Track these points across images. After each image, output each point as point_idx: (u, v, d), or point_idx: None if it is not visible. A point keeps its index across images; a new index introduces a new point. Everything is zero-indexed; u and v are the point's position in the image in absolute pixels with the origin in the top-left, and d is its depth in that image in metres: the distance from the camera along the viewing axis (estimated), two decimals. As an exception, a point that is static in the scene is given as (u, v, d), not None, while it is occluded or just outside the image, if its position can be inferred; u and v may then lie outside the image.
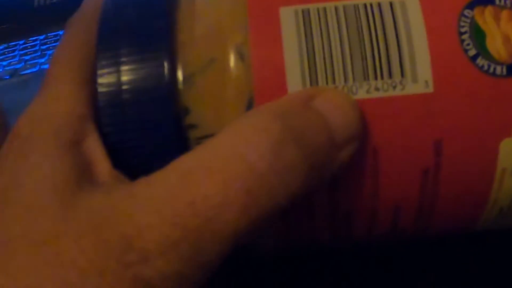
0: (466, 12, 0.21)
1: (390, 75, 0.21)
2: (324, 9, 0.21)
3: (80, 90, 0.22)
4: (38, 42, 0.48)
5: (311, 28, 0.21)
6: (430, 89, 0.21)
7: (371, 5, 0.21)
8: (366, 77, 0.21)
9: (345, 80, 0.21)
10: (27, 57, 0.47)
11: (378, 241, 0.24)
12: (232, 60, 0.21)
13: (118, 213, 0.18)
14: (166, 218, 0.18)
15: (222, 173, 0.18)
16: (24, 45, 0.48)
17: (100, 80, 0.21)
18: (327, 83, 0.21)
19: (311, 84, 0.21)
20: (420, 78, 0.21)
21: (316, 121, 0.20)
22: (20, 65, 0.45)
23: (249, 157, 0.18)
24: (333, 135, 0.20)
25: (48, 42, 0.48)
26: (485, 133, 0.21)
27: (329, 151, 0.20)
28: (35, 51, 0.47)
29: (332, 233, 0.23)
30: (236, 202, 0.18)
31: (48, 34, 0.48)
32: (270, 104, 0.20)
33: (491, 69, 0.21)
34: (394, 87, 0.21)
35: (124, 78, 0.21)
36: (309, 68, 0.21)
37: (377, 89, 0.21)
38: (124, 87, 0.21)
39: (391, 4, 0.21)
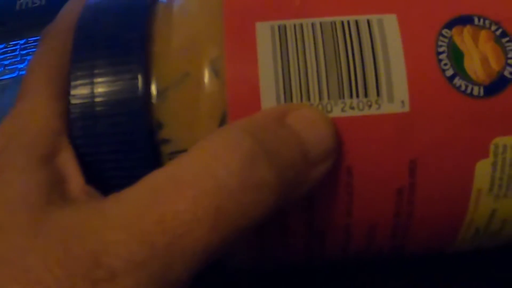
0: (444, 31, 0.21)
1: (365, 94, 0.20)
2: (301, 25, 0.21)
3: (55, 103, 0.22)
4: (18, 46, 0.48)
5: (287, 44, 0.21)
6: (406, 109, 0.20)
7: (348, 22, 0.21)
8: (341, 95, 0.20)
9: (320, 98, 0.20)
10: (6, 62, 0.46)
11: (354, 259, 0.24)
12: (206, 75, 0.21)
13: (86, 229, 0.18)
14: (134, 235, 0.18)
15: (192, 190, 0.18)
16: (3, 49, 0.47)
17: (73, 92, 0.21)
18: (301, 100, 0.20)
19: (285, 101, 0.20)
20: (396, 97, 0.20)
21: (289, 137, 0.20)
22: (-1, 70, 0.44)
23: (220, 174, 0.18)
24: (306, 152, 0.20)
25: (28, 47, 0.47)
26: (461, 154, 0.21)
27: (303, 168, 0.20)
28: (15, 56, 0.47)
29: (307, 250, 0.23)
30: (206, 219, 0.18)
31: (29, 39, 0.47)
32: (243, 121, 0.20)
33: (469, 90, 0.21)
34: (370, 106, 0.20)
35: (98, 90, 0.21)
36: (284, 85, 0.20)
37: (352, 107, 0.20)
38: (97, 99, 0.21)
39: (368, 22, 0.21)
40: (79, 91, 0.21)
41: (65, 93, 0.22)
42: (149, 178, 0.19)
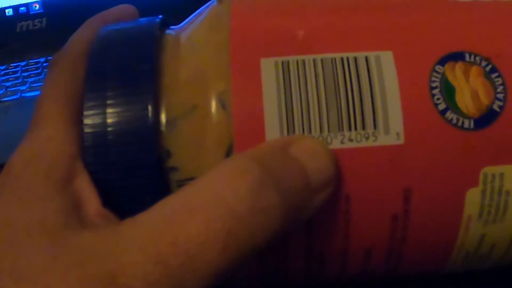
0: (438, 68, 0.22)
1: (363, 126, 0.22)
2: (303, 61, 0.22)
3: (69, 130, 0.23)
4: (20, 68, 0.49)
5: (290, 79, 0.22)
6: (401, 141, 0.22)
7: (347, 59, 0.22)
8: (340, 128, 0.22)
9: (321, 130, 0.22)
10: (8, 84, 0.47)
11: (351, 280, 0.25)
12: (214, 107, 0.22)
13: (103, 250, 0.19)
14: (149, 256, 0.19)
15: (204, 215, 0.19)
16: (5, 71, 0.48)
17: (86, 121, 0.22)
18: (303, 132, 0.22)
19: (288, 133, 0.22)
20: (392, 130, 0.22)
21: (293, 166, 0.21)
22: (1, 91, 0.45)
23: (230, 200, 0.19)
24: (309, 180, 0.21)
25: (30, 69, 0.48)
26: (453, 182, 0.22)
27: (305, 195, 0.21)
28: (16, 78, 0.48)
29: (306, 273, 0.24)
30: (217, 242, 0.19)
31: (30, 61, 0.48)
32: (250, 150, 0.21)
33: (460, 123, 0.22)
34: (367, 138, 0.22)
35: (109, 120, 0.22)
36: (287, 118, 0.22)
37: (350, 139, 0.22)
38: (109, 128, 0.22)
39: (366, 59, 0.22)
40: (92, 121, 0.22)
41: (79, 119, 0.23)
42: (163, 204, 0.20)
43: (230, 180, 0.20)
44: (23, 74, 0.48)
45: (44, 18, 0.50)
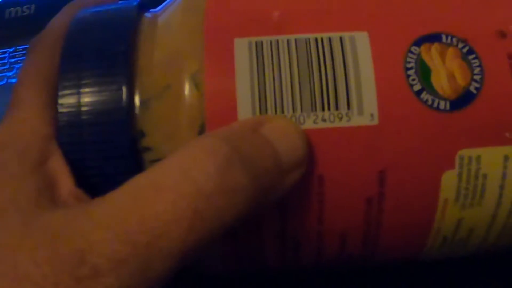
0: (413, 48, 0.22)
1: (336, 107, 0.21)
2: (277, 41, 0.22)
3: (45, 112, 0.23)
4: (7, 55, 0.48)
5: (263, 59, 0.22)
6: (375, 122, 0.22)
7: (322, 39, 0.22)
8: (313, 108, 0.21)
9: (293, 110, 0.21)
10: (-5, 70, 0.47)
11: (327, 265, 0.25)
12: (187, 88, 0.22)
13: (72, 229, 0.19)
14: (117, 234, 0.19)
15: (171, 193, 0.19)
16: (-8, 58, 0.48)
17: (61, 101, 0.22)
18: (276, 112, 0.21)
19: (260, 113, 0.21)
20: (366, 110, 0.21)
21: (263, 146, 0.21)
22: (-13, 78, 0.45)
23: (197, 178, 0.19)
24: (279, 160, 0.21)
25: (17, 56, 0.48)
26: (428, 165, 0.22)
27: (275, 175, 0.21)
28: (3, 64, 0.47)
29: (281, 256, 0.24)
30: (184, 220, 0.19)
31: (18, 47, 0.48)
32: (220, 129, 0.21)
33: (435, 104, 0.22)
34: (340, 119, 0.21)
35: (84, 100, 0.22)
36: (259, 98, 0.21)
37: (324, 120, 0.21)
38: (83, 109, 0.22)
39: (341, 39, 0.22)
40: (66, 101, 0.22)
41: (54, 102, 0.23)
42: (131, 182, 0.20)
43: (198, 159, 0.20)
44: (10, 60, 0.48)
45: (33, 5, 0.50)
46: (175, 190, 0.19)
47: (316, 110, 0.21)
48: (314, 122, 0.21)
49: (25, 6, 0.50)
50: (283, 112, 0.21)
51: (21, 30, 0.48)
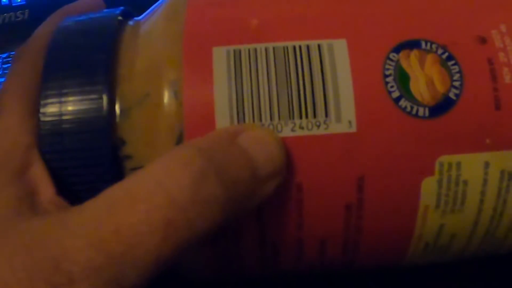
0: (392, 55, 0.22)
1: (314, 114, 0.21)
2: (255, 50, 0.22)
3: (26, 121, 0.23)
4: (1, 60, 0.49)
5: (241, 68, 0.22)
6: (354, 129, 0.22)
7: (300, 47, 0.22)
8: (291, 116, 0.21)
9: (271, 118, 0.21)
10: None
11: (308, 271, 0.25)
12: (166, 96, 0.22)
13: (48, 237, 0.19)
14: (92, 243, 0.19)
15: (145, 204, 0.19)
16: (-15, 63, 0.48)
17: (43, 110, 0.22)
18: (254, 120, 0.21)
19: (238, 122, 0.21)
20: (344, 118, 0.22)
21: (239, 156, 0.21)
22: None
23: (171, 189, 0.19)
24: (255, 170, 0.21)
25: (11, 61, 0.49)
26: (407, 171, 0.22)
27: (251, 185, 0.21)
28: (-4, 70, 0.48)
29: (260, 263, 0.24)
30: (157, 231, 0.19)
31: (11, 53, 0.48)
32: (197, 140, 0.21)
33: (414, 111, 0.22)
34: (318, 126, 0.21)
35: (66, 108, 0.22)
36: (237, 106, 0.21)
37: (301, 127, 0.21)
38: (65, 117, 0.22)
39: (319, 47, 0.22)
40: (48, 109, 0.22)
41: (36, 111, 0.23)
42: (108, 192, 0.20)
43: (173, 170, 0.20)
44: (3, 66, 0.48)
45: (26, 10, 0.50)
46: (149, 201, 0.19)
47: (294, 118, 0.21)
48: (292, 130, 0.21)
49: (19, 12, 0.50)
50: (261, 120, 0.21)
51: (14, 36, 0.48)
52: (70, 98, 0.22)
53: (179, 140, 0.22)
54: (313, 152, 0.22)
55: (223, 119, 0.21)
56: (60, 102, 0.22)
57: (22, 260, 0.19)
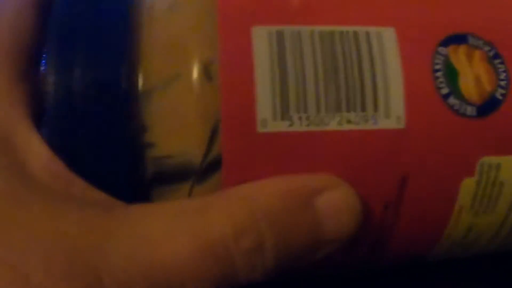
0: (440, 49, 0.21)
1: (362, 108, 0.20)
2: (299, 32, 0.20)
3: (10, 88, 0.20)
4: None
5: (285, 52, 0.20)
6: (402, 125, 0.20)
7: (347, 33, 0.20)
8: (338, 109, 0.20)
9: (318, 110, 0.20)
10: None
11: (331, 270, 0.24)
12: (198, 78, 0.20)
13: (91, 242, 0.18)
14: (141, 267, 0.18)
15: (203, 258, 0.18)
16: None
17: (49, 79, 0.20)
18: (298, 112, 0.20)
19: (282, 112, 0.19)
20: (393, 113, 0.20)
21: (310, 224, 0.19)
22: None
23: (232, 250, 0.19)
24: (319, 238, 0.20)
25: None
26: (449, 171, 0.21)
27: (308, 252, 0.20)
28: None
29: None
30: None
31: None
32: (270, 193, 0.19)
33: (462, 109, 0.21)
34: (366, 121, 0.20)
35: (77, 84, 0.20)
36: (281, 95, 0.19)
37: (349, 121, 0.20)
38: (77, 94, 0.20)
39: (367, 34, 0.20)
40: (54, 80, 0.20)
41: (27, 75, 0.20)
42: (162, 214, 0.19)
43: (235, 237, 0.19)
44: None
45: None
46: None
47: (341, 111, 0.20)
48: (339, 123, 0.20)
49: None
50: (306, 112, 0.20)
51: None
52: (83, 71, 0.20)
53: (214, 131, 0.19)
54: (359, 148, 0.20)
55: (265, 109, 0.19)
56: (71, 75, 0.20)
57: (62, 267, 0.17)
